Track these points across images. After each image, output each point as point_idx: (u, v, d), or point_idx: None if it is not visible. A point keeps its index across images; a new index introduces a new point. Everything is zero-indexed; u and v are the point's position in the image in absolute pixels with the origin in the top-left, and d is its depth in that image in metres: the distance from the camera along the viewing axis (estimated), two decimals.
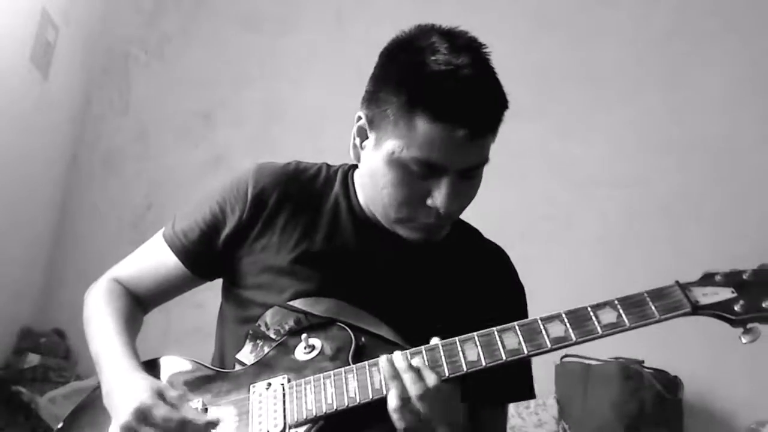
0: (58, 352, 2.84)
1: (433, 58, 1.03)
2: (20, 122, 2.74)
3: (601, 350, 2.57)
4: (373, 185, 1.13)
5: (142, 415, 1.01)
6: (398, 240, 1.17)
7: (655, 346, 2.65)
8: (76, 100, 3.22)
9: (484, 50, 1.08)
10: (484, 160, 1.10)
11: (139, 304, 1.28)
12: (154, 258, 1.26)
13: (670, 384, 2.58)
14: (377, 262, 1.18)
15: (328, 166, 1.28)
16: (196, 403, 1.09)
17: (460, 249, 1.24)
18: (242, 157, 2.80)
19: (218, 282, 1.32)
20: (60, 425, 1.18)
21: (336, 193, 1.23)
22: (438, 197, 1.06)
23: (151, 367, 1.17)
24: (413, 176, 1.07)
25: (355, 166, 1.24)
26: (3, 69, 2.57)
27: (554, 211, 3.00)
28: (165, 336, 2.72)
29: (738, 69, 3.02)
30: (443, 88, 1.02)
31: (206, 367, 1.18)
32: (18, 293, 2.92)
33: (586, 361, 2.61)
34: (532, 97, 2.88)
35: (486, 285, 1.20)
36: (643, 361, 2.61)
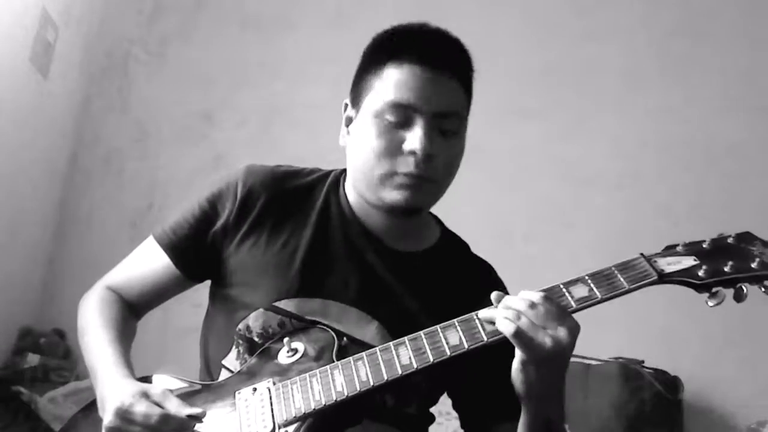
0: (58, 352, 2.84)
1: (398, 26, 1.18)
2: (20, 122, 2.73)
3: (601, 350, 2.57)
4: (359, 153, 1.15)
5: (124, 415, 1.01)
6: (385, 246, 1.20)
7: (655, 346, 2.66)
8: (76, 100, 3.21)
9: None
10: (457, 111, 1.14)
11: (131, 310, 1.28)
12: (144, 261, 1.27)
13: (670, 384, 2.58)
14: (365, 263, 1.19)
15: (320, 169, 1.29)
16: None
17: (448, 258, 1.25)
18: (242, 157, 2.77)
19: None
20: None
21: (326, 195, 1.24)
22: (412, 139, 1.10)
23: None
24: (390, 126, 1.12)
25: (346, 170, 1.25)
26: (3, 69, 2.56)
27: (554, 211, 3.00)
28: (164, 335, 2.73)
29: (738, 69, 3.02)
30: (405, 37, 1.15)
31: (192, 382, 1.17)
32: (18, 293, 2.92)
33: (586, 361, 2.61)
34: (533, 97, 2.87)
35: (475, 295, 1.13)
36: (643, 361, 2.60)
